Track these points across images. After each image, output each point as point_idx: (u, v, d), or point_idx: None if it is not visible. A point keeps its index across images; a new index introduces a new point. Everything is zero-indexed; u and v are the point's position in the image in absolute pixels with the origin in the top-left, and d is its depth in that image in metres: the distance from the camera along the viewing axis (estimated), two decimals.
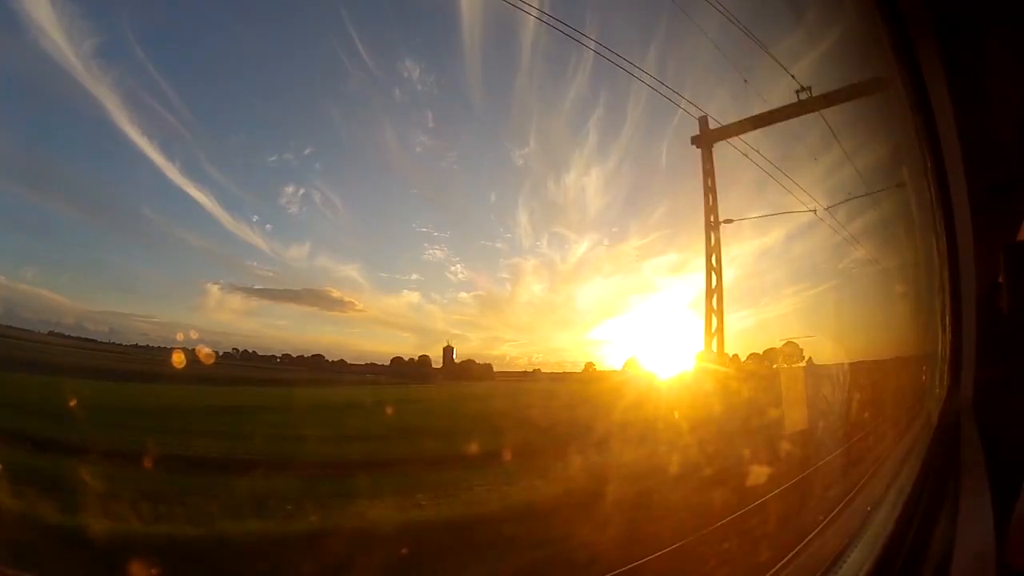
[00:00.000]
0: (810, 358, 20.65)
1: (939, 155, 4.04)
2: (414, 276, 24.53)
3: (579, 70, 20.60)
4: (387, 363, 19.81)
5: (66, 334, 15.69)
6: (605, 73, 20.05)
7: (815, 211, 12.46)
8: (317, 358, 18.74)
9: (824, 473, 8.30)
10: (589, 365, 21.36)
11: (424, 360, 19.99)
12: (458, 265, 23.97)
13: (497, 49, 21.24)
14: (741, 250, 23.01)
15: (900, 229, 8.25)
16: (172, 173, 17.39)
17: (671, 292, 24.27)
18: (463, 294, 25.04)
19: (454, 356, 20.07)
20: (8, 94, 14.20)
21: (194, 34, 18.05)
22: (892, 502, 3.23)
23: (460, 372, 19.87)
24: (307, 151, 21.68)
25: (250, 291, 19.92)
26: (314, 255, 22.70)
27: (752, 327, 24.82)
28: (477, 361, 20.78)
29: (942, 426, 4.33)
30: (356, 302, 21.45)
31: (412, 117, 22.57)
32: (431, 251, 23.50)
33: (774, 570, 3.55)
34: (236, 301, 19.55)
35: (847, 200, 11.09)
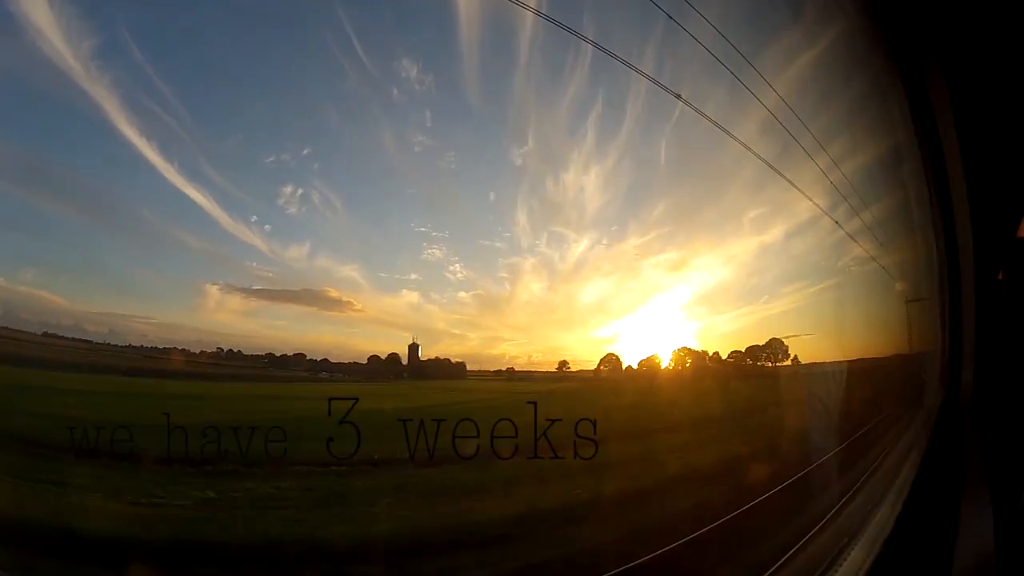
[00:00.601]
0: (796, 356, 20.56)
1: (938, 153, 4.03)
2: (413, 276, 24.57)
3: (577, 68, 20.57)
4: (378, 362, 19.82)
5: (66, 335, 15.68)
6: (603, 71, 20.01)
7: (815, 209, 12.46)
8: (299, 356, 18.80)
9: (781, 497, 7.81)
10: (562, 363, 21.48)
11: (392, 358, 19.93)
12: (457, 265, 23.99)
13: (495, 48, 21.19)
14: (741, 248, 22.99)
15: (899, 227, 8.25)
16: (170, 174, 17.38)
17: (670, 291, 24.25)
18: (462, 294, 25.06)
19: (419, 353, 19.87)
20: (6, 95, 14.18)
21: (192, 35, 18.02)
22: (892, 500, 3.24)
23: (427, 370, 19.72)
24: (305, 151, 21.69)
25: (249, 291, 19.91)
26: (313, 255, 22.68)
27: (751, 325, 24.81)
28: (452, 360, 20.72)
29: (942, 425, 4.33)
30: (355, 302, 21.43)
31: (410, 117, 22.53)
32: (430, 251, 23.49)
33: (774, 568, 3.56)
34: (235, 301, 19.54)
35: (847, 198, 11.08)
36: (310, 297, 21.65)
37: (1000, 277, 4.01)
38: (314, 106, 21.85)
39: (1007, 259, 3.91)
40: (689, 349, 21.43)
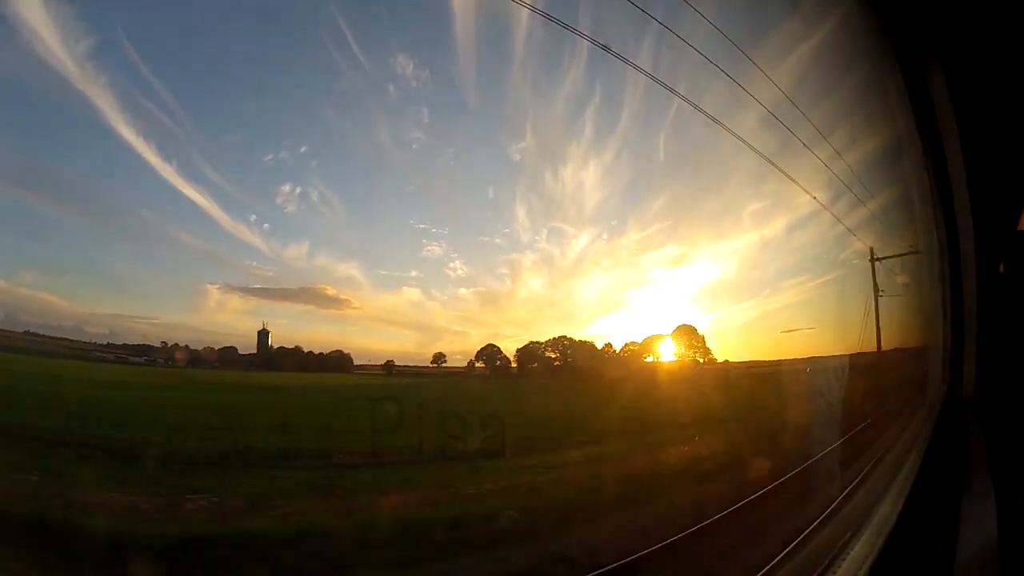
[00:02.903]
0: (711, 351, 18.48)
1: (939, 147, 4.02)
2: (413, 273, 24.59)
3: (574, 62, 20.50)
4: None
5: (66, 337, 15.69)
6: (601, 65, 19.92)
7: (815, 202, 12.42)
8: (229, 350, 18.38)
9: None
10: (438, 355, 20.85)
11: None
12: (457, 261, 23.99)
13: (491, 43, 21.14)
14: (741, 242, 22.94)
15: (901, 220, 8.23)
16: (168, 174, 17.40)
17: (670, 285, 24.20)
18: (463, 290, 25.06)
19: (269, 341, 18.56)
20: (4, 96, 14.17)
21: (188, 34, 18.03)
22: (895, 495, 3.23)
23: (282, 361, 18.56)
24: (303, 149, 21.69)
25: (248, 291, 19.92)
26: (313, 254, 22.71)
27: (751, 320, 24.80)
28: (344, 351, 19.59)
29: (944, 419, 4.32)
30: (353, 299, 21.44)
31: (407, 113, 22.49)
32: (430, 247, 23.47)
33: (773, 564, 3.55)
34: (235, 301, 19.54)
35: (848, 192, 11.05)
36: (309, 296, 21.66)
37: (1001, 270, 4.00)
38: (311, 104, 21.82)
39: (1008, 252, 3.90)
40: (683, 345, 21.18)
